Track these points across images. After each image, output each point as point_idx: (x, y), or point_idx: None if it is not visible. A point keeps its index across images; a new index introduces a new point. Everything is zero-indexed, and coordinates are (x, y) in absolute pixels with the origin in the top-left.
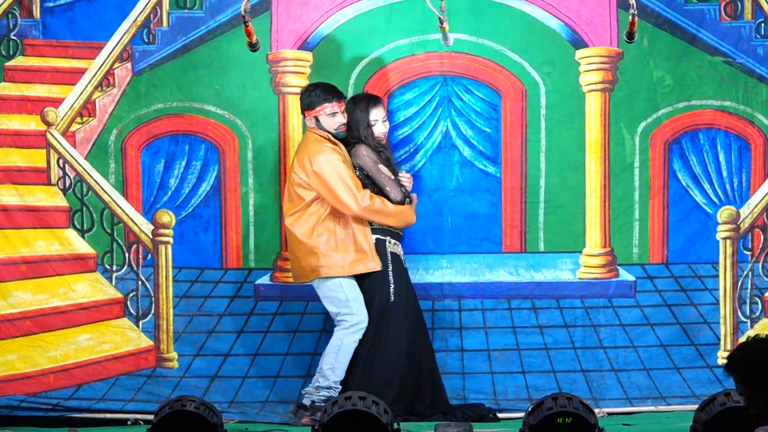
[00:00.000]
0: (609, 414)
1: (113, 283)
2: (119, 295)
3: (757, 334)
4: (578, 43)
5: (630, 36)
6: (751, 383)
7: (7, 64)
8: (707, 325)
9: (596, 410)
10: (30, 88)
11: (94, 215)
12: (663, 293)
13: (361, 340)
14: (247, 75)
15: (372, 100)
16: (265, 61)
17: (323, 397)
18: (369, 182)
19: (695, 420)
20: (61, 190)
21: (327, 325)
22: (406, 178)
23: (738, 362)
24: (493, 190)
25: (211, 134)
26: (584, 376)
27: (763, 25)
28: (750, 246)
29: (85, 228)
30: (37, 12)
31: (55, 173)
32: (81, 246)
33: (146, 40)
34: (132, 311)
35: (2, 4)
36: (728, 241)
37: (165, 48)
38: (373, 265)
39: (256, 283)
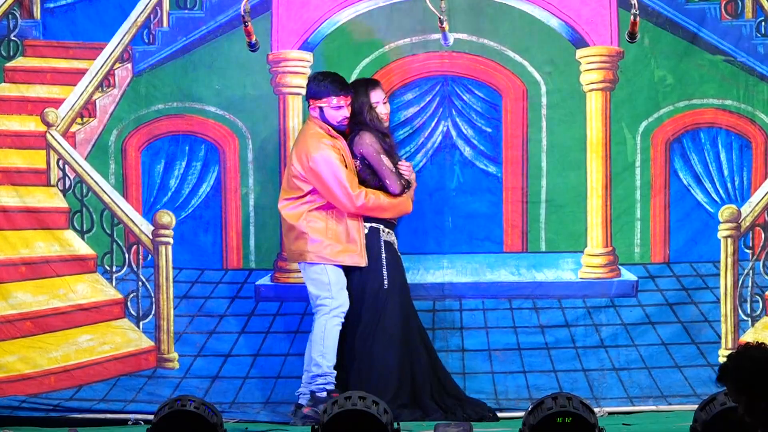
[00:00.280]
0: (610, 413)
1: (113, 283)
2: (119, 296)
3: (747, 342)
4: (579, 42)
5: (632, 36)
6: (748, 392)
7: (7, 64)
8: (708, 323)
9: (597, 410)
10: (30, 89)
11: (94, 216)
12: (664, 292)
13: (358, 333)
14: (248, 75)
15: (370, 83)
16: (266, 61)
17: (321, 385)
18: (369, 171)
19: (695, 420)
20: (60, 191)
21: None
22: (405, 167)
23: (733, 372)
24: (494, 190)
25: (211, 135)
26: (585, 375)
27: (763, 23)
28: (751, 244)
29: (84, 229)
30: (37, 13)
31: (55, 174)
32: (81, 247)
33: (147, 40)
34: (132, 312)
35: (2, 4)
36: (729, 240)
37: (165, 48)
38: (360, 260)
39: (257, 283)
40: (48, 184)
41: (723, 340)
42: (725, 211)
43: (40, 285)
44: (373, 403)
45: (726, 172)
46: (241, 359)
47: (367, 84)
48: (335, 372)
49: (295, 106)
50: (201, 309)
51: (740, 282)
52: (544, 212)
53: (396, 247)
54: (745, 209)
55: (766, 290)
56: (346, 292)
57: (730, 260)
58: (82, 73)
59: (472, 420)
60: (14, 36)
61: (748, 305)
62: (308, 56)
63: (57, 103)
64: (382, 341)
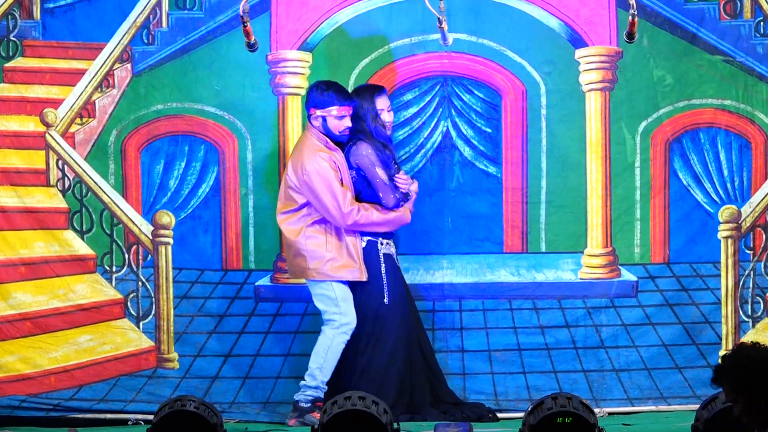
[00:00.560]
0: (609, 414)
1: (113, 284)
2: (119, 296)
3: (742, 342)
4: (578, 42)
5: (630, 36)
6: (746, 392)
7: (6, 65)
8: (709, 324)
9: (597, 410)
10: (29, 89)
11: (94, 216)
12: (665, 293)
13: (357, 348)
14: (247, 76)
15: (377, 90)
16: (265, 61)
17: (309, 398)
18: (365, 183)
19: (697, 418)
20: (60, 191)
21: None
22: (402, 180)
23: (730, 372)
24: (494, 191)
25: (210, 135)
26: (585, 376)
27: (762, 23)
28: (751, 245)
29: (84, 229)
30: (37, 13)
31: (54, 174)
32: (80, 247)
33: (146, 41)
34: (132, 312)
35: (2, 5)
36: (730, 241)
37: (165, 49)
38: (360, 275)
39: (256, 284)
40: (47, 185)
41: (724, 342)
42: (725, 212)
43: (39, 285)
44: (372, 403)
45: (726, 173)
46: (241, 359)
47: (374, 90)
48: (326, 387)
49: (294, 107)
50: (201, 309)
51: (741, 283)
52: (544, 213)
53: (395, 257)
54: (746, 210)
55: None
56: (353, 308)
57: (730, 261)
58: (81, 73)
59: (472, 420)
60: (14, 36)
61: (749, 306)
62: (307, 56)
63: (56, 103)
64: (381, 356)
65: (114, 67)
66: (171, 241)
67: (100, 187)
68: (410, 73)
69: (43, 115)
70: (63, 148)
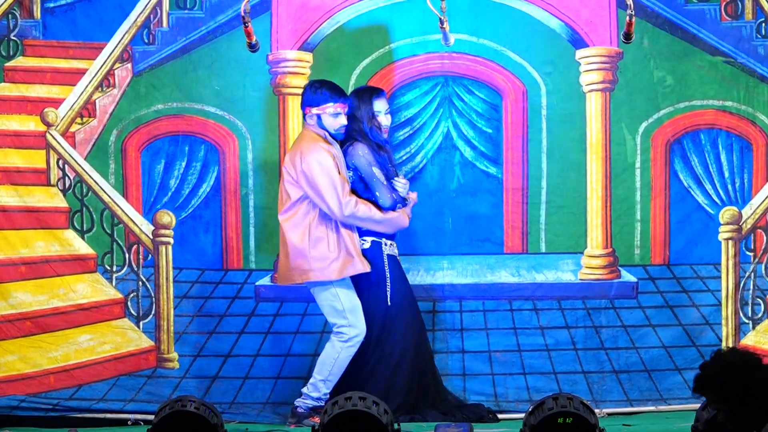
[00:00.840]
0: (609, 414)
1: (113, 283)
2: (119, 296)
3: (719, 349)
4: (578, 42)
5: (627, 36)
6: (728, 398)
7: (7, 64)
8: (709, 326)
9: (596, 411)
10: (30, 89)
11: (94, 216)
12: (665, 294)
13: (364, 353)
14: (247, 76)
15: (375, 92)
16: (265, 61)
17: (309, 406)
18: (362, 184)
19: (697, 419)
20: (60, 190)
21: (327, 326)
22: (401, 184)
23: (712, 380)
24: (495, 191)
25: (211, 135)
26: (585, 377)
27: (763, 24)
28: (752, 247)
29: (84, 229)
30: (37, 12)
31: (55, 174)
32: (81, 247)
33: (146, 40)
34: (132, 312)
35: (2, 4)
36: (730, 242)
37: (165, 48)
38: (362, 267)
39: (257, 284)
40: (48, 184)
41: (724, 343)
42: (726, 213)
43: (40, 285)
44: (373, 404)
45: (726, 174)
46: (241, 359)
47: (372, 92)
48: (328, 398)
49: (294, 107)
50: (201, 309)
51: (741, 285)
52: (545, 213)
53: (398, 259)
54: (746, 211)
55: None
56: (362, 317)
57: (731, 263)
58: (81, 73)
59: (472, 421)
60: (14, 36)
61: (750, 308)
62: (308, 56)
63: (57, 102)
64: (388, 362)
65: (114, 67)
66: (171, 240)
67: (100, 187)
68: (411, 74)
69: (44, 114)
70: (63, 148)
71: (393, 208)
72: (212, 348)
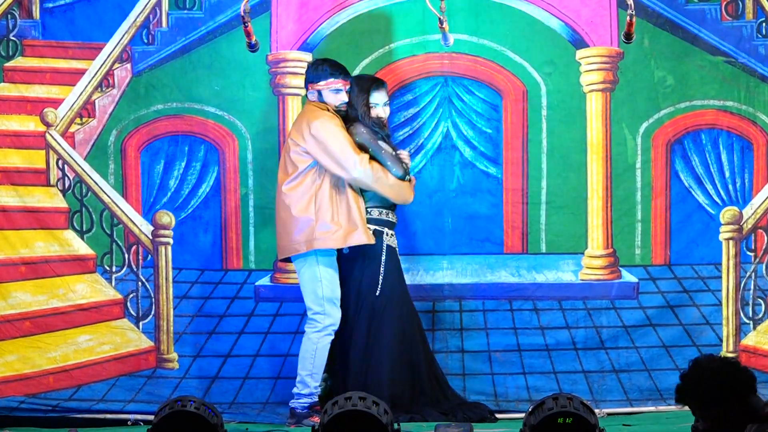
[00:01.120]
0: (609, 414)
1: (113, 284)
2: (119, 296)
3: (696, 358)
4: (579, 43)
5: (628, 36)
6: (710, 405)
7: (6, 64)
8: (710, 326)
9: (596, 411)
10: (29, 89)
11: (94, 216)
12: (665, 294)
13: (353, 341)
14: (247, 76)
15: (375, 83)
16: (265, 61)
17: (305, 404)
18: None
19: (697, 419)
20: (60, 191)
21: None
22: (405, 155)
23: (691, 389)
24: (494, 191)
25: (210, 135)
26: (585, 377)
27: (764, 24)
28: (753, 247)
29: (84, 229)
30: (36, 12)
31: (55, 174)
32: (80, 247)
33: (146, 40)
34: (132, 312)
35: (2, 4)
36: (731, 242)
37: (164, 49)
38: (366, 238)
39: (257, 284)
40: (47, 184)
41: (724, 343)
42: (726, 213)
43: (39, 285)
44: (373, 404)
45: (727, 174)
46: (241, 360)
47: (373, 82)
48: (319, 390)
49: (294, 107)
50: (201, 309)
51: (742, 285)
52: (545, 213)
53: (397, 251)
54: (747, 211)
55: None
56: (338, 306)
57: (731, 263)
58: (81, 73)
59: (473, 421)
60: (13, 36)
61: (750, 308)
62: (308, 57)
63: (56, 103)
64: (377, 352)
65: (114, 67)
66: (171, 241)
67: (100, 187)
68: (410, 74)
69: (43, 114)
70: (63, 148)
71: (404, 178)
72: (212, 348)
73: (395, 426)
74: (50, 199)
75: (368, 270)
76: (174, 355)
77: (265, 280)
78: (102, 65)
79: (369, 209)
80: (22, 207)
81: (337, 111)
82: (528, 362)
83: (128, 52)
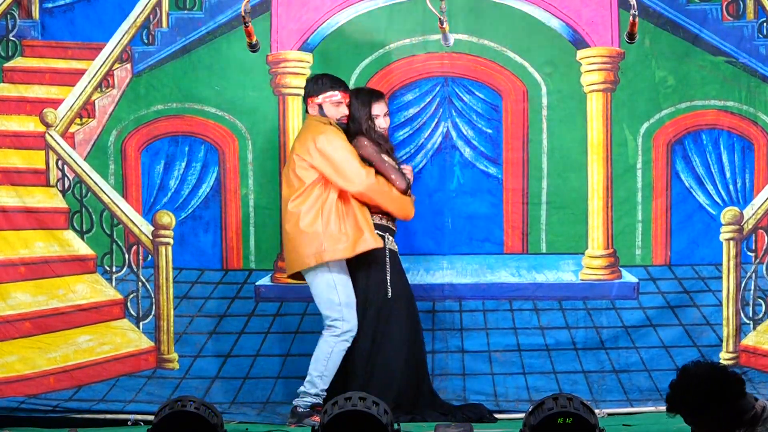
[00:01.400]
0: (609, 414)
1: (113, 284)
2: (119, 297)
3: (684, 365)
4: (579, 43)
5: (631, 36)
6: (701, 411)
7: (6, 65)
8: (710, 326)
9: (596, 411)
10: (29, 89)
11: (94, 216)
12: (666, 295)
13: (361, 346)
14: (247, 76)
15: (374, 95)
16: (265, 62)
17: (308, 404)
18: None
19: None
20: (60, 191)
21: None
22: (408, 170)
23: (682, 397)
24: (495, 191)
25: (211, 135)
26: (585, 377)
27: (765, 24)
28: (753, 247)
29: (84, 229)
30: (36, 13)
31: (54, 174)
32: (80, 247)
33: (146, 41)
34: (132, 312)
35: (1, 4)
36: (732, 243)
37: (165, 49)
38: (373, 242)
39: (257, 284)
40: (47, 185)
41: (725, 344)
42: (727, 214)
43: (39, 285)
44: (373, 404)
45: (728, 174)
46: (241, 359)
47: (372, 94)
48: (326, 393)
49: (294, 107)
50: (201, 309)
51: (742, 285)
52: (545, 214)
53: (398, 255)
54: (748, 212)
55: None
56: (355, 312)
57: (732, 263)
58: (81, 73)
59: (472, 421)
60: (13, 36)
61: (751, 308)
62: (308, 57)
63: (56, 103)
64: (385, 353)
65: (114, 67)
66: (171, 241)
67: (100, 188)
68: (411, 74)
69: (43, 115)
70: (63, 148)
71: (407, 191)
72: (212, 348)
73: (395, 426)
74: (50, 199)
75: (374, 275)
76: (174, 356)
77: (265, 280)
78: (102, 65)
79: (372, 215)
80: (21, 207)
81: (338, 124)
82: (528, 362)
83: (128, 53)
